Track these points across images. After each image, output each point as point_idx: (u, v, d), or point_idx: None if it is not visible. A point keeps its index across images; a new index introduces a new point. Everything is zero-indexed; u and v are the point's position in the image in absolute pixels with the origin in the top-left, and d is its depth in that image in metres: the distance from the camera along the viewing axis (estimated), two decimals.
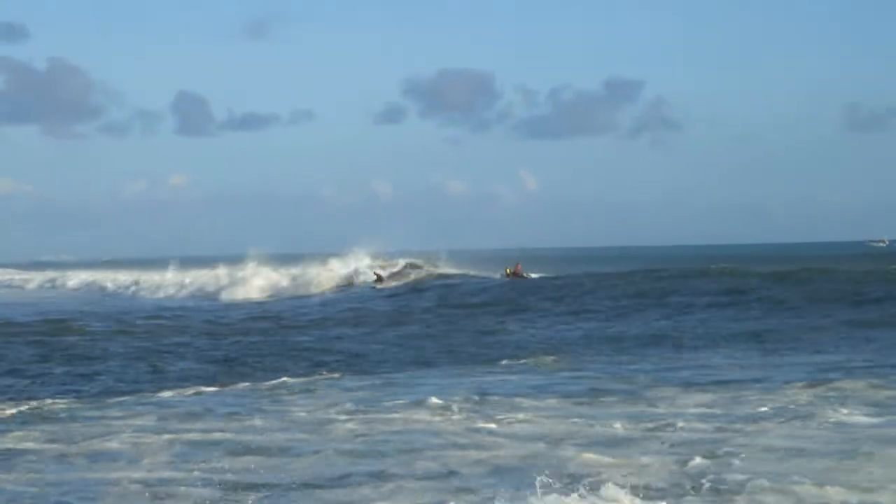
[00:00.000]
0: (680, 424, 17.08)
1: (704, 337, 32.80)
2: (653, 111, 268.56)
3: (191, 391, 22.86)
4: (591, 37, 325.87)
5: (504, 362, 27.30)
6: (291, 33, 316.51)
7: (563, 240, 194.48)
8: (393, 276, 62.10)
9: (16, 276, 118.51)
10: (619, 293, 46.45)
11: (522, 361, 27.28)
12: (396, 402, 20.24)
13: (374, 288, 59.55)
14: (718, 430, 16.65)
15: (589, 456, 14.85)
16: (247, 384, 23.92)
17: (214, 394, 22.55)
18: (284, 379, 24.39)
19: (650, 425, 17.16)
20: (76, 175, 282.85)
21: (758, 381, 22.16)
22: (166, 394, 22.48)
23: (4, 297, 78.42)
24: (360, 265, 62.86)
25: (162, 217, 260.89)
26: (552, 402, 20.01)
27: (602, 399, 20.26)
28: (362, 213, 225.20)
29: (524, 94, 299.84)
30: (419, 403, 19.83)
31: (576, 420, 17.89)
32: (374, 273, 62.82)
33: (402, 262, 64.70)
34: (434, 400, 19.97)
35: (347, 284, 63.56)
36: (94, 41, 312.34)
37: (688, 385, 21.78)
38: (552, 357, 27.74)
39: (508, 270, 59.20)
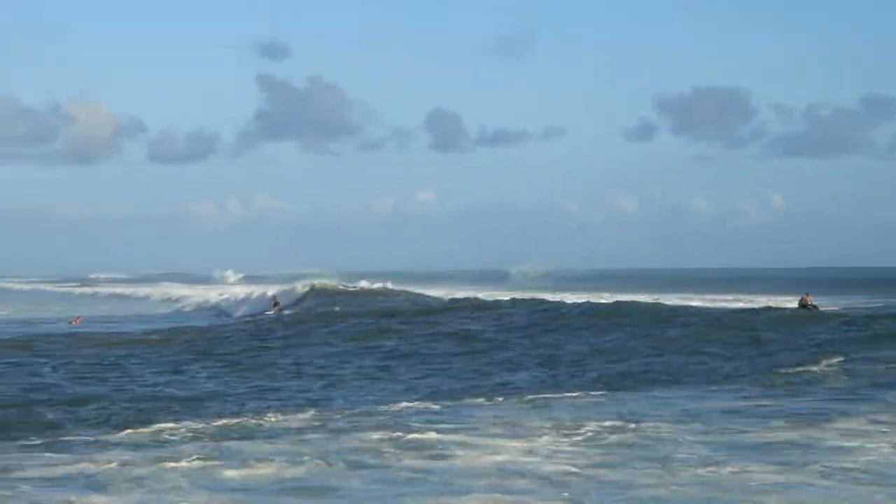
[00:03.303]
0: None
1: None
2: None
3: None
4: (850, 53, 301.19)
5: None
6: (544, 49, 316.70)
7: (809, 260, 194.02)
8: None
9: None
10: None
11: None
12: None
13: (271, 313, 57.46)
14: None
15: None
16: None
17: None
18: None
19: None
20: (329, 191, 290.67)
21: None
22: None
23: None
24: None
25: (407, 232, 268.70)
26: None
27: None
28: (602, 228, 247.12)
29: (779, 111, 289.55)
30: None
31: None
32: (275, 299, 62.11)
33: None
34: None
35: None
36: (352, 60, 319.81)
37: None
38: None
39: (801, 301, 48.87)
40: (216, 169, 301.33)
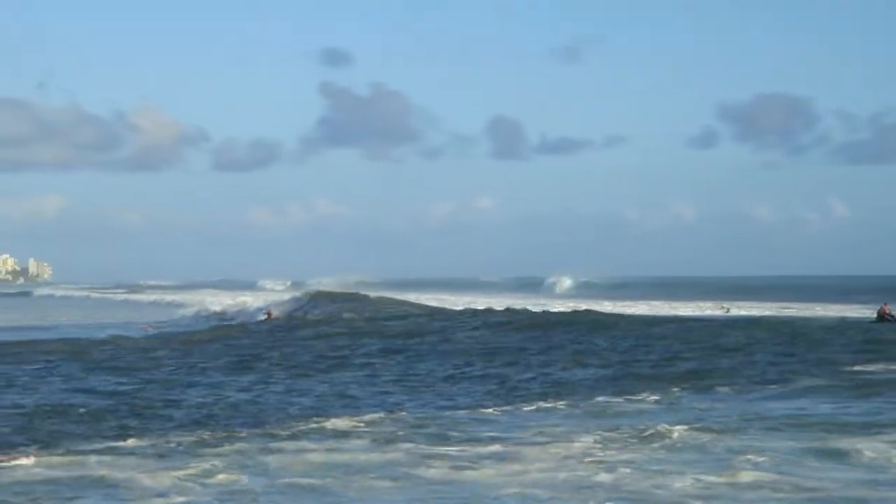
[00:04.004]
0: None
1: None
2: None
3: None
4: None
5: None
6: (605, 56, 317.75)
7: (871, 268, 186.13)
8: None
9: None
10: None
11: None
12: None
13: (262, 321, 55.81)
14: None
15: None
16: None
17: None
18: None
19: None
20: (389, 198, 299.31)
21: None
22: None
23: None
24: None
25: (464, 239, 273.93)
26: None
27: None
28: (662, 236, 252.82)
29: (843, 118, 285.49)
30: None
31: None
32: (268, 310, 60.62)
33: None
34: None
35: None
36: (414, 67, 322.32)
37: None
38: None
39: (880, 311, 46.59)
40: (278, 176, 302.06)
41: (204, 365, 31.49)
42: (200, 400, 23.55)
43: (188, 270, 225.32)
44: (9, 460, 16.10)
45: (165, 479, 14.60)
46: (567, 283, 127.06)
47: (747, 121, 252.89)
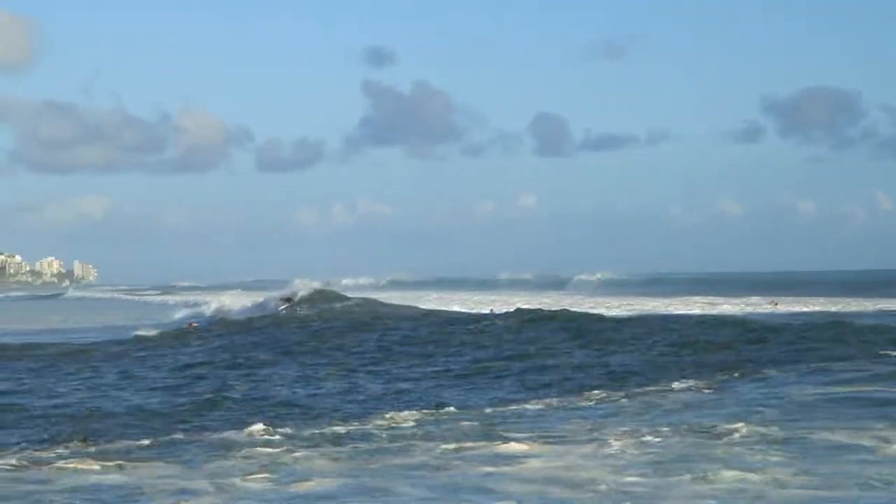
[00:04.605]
0: None
1: None
2: None
3: None
4: None
5: None
6: (649, 52, 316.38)
7: None
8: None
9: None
10: None
11: None
12: None
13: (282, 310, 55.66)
14: None
15: None
16: None
17: None
18: None
19: None
20: (433, 196, 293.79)
21: None
22: None
23: None
24: None
25: (507, 237, 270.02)
26: None
27: None
28: (706, 231, 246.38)
29: (889, 112, 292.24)
30: None
31: None
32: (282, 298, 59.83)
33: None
34: None
35: None
36: (457, 64, 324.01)
37: None
38: None
39: None
40: (321, 176, 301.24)
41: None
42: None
43: (230, 271, 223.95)
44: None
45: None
46: (597, 278, 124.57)
47: (792, 115, 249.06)
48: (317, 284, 62.41)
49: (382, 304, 58.59)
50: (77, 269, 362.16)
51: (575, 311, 45.67)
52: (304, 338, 39.44)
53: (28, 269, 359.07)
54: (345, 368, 30.30)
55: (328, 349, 35.68)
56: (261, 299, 64.98)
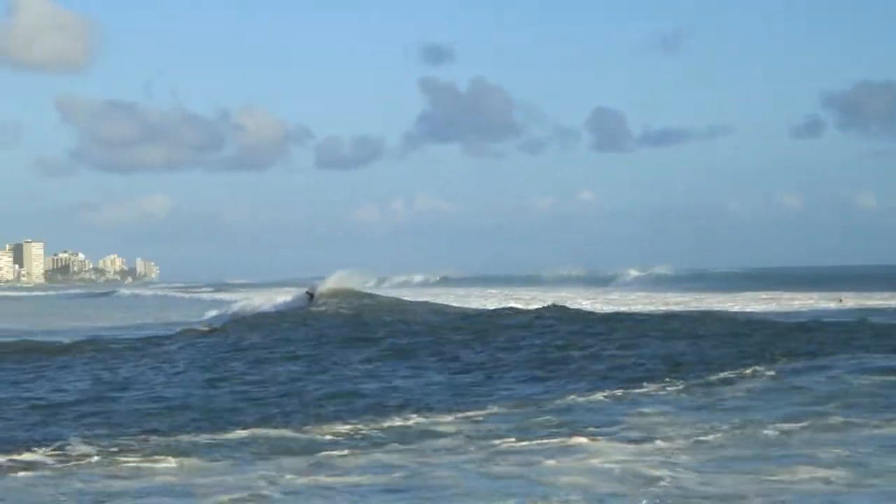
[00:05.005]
0: None
1: None
2: None
3: None
4: None
5: None
6: (707, 46, 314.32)
7: None
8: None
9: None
10: None
11: None
12: None
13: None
14: None
15: None
16: None
17: None
18: None
19: None
20: (491, 192, 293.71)
21: None
22: None
23: None
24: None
25: (565, 232, 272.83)
26: None
27: None
28: (767, 226, 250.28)
29: None
30: None
31: None
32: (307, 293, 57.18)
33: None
34: None
35: None
36: (515, 61, 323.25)
37: None
38: None
39: None
40: (380, 173, 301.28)
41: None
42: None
43: (289, 268, 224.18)
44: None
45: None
46: (635, 276, 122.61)
47: (852, 109, 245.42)
48: (337, 280, 60.58)
49: (399, 301, 57.16)
50: (139, 266, 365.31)
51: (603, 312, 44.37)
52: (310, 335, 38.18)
53: (91, 266, 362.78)
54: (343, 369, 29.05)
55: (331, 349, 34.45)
56: (289, 298, 63.80)
